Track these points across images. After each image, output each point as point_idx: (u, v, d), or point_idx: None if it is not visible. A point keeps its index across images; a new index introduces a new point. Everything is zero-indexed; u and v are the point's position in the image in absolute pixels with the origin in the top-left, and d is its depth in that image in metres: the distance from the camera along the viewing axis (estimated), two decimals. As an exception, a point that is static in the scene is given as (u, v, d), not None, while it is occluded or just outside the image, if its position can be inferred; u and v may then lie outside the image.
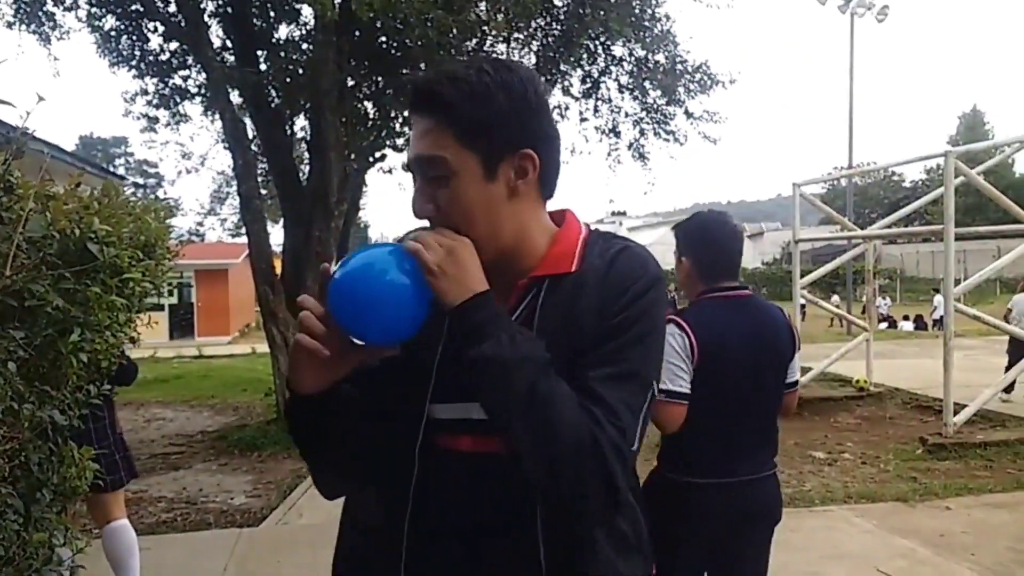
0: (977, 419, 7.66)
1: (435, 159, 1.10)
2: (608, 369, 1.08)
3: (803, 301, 11.08)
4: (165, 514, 5.81)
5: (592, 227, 1.26)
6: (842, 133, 27.27)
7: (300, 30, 9.63)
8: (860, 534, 4.90)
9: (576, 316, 1.11)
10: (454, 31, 7.80)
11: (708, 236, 2.33)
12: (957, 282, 8.11)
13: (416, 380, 1.17)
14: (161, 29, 9.04)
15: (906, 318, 21.93)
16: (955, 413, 7.30)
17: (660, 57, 10.15)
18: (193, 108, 13.86)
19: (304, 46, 9.59)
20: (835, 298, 18.72)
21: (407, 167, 1.20)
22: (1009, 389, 8.80)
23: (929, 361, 10.48)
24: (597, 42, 9.82)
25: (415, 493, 1.15)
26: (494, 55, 9.69)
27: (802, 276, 10.28)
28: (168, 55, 9.49)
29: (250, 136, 9.70)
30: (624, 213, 57.64)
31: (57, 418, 2.31)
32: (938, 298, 20.62)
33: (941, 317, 14.17)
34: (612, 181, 17.55)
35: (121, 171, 41.79)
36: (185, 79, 9.90)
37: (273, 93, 9.55)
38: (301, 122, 10.92)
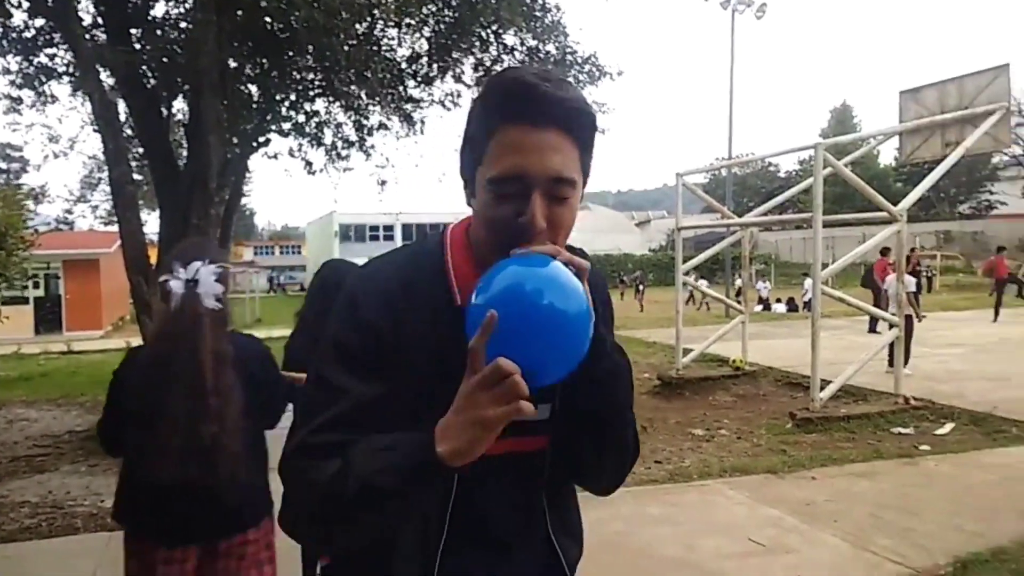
0: (842, 394, 8.21)
1: (572, 181, 1.09)
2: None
3: (691, 287, 11.51)
4: (28, 520, 5.44)
5: None
6: (723, 125, 28.39)
7: (178, 8, 9.16)
8: (734, 506, 5.17)
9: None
10: (342, 14, 7.60)
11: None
12: (825, 266, 8.64)
13: (441, 381, 1.06)
14: (25, 4, 8.38)
15: (779, 300, 23.17)
16: (821, 389, 7.80)
17: (551, 47, 10.25)
18: (61, 88, 12.97)
19: (182, 25, 9.12)
20: (703, 282, 19.58)
21: (512, 180, 1.05)
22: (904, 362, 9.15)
23: (800, 341, 11.12)
24: (489, 30, 9.81)
25: (454, 506, 1.16)
26: (384, 40, 9.55)
27: (685, 262, 10.70)
28: (33, 32, 8.82)
29: (123, 118, 9.16)
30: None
31: None
32: (808, 281, 21.87)
33: (811, 299, 15.09)
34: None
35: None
36: (52, 57, 9.23)
37: (148, 73, 9.04)
38: (179, 104, 10.40)
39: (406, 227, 49.55)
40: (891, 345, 8.72)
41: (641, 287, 27.63)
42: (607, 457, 1.23)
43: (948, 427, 7.26)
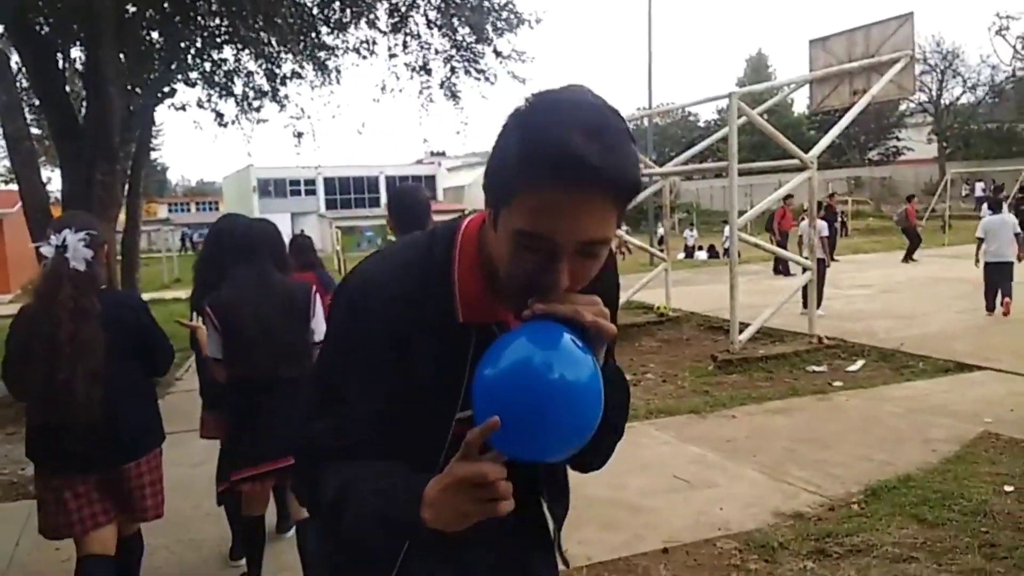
0: (760, 336, 8.52)
1: (605, 241, 1.02)
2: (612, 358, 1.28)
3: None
4: (-59, 493, 5.20)
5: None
6: (643, 74, 28.48)
7: (70, -52, 8.53)
8: (659, 445, 5.34)
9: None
10: (247, -45, 7.24)
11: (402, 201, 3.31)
12: (742, 213, 8.86)
13: (443, 396, 1.13)
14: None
15: (700, 248, 23.76)
16: (740, 332, 8.08)
17: (468, -7, 10.04)
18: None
19: (75, -34, 8.53)
20: (625, 230, 19.94)
21: (542, 240, 0.98)
22: (817, 304, 9.57)
23: (720, 286, 11.43)
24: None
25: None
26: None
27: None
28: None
29: (15, 68, 8.56)
30: (443, 153, 57.16)
31: None
32: (728, 228, 22.46)
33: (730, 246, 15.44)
34: (426, 121, 17.28)
35: None
36: (-67, 4, 8.50)
37: (41, 21, 8.44)
38: (76, 53, 9.77)
39: (328, 181, 48.29)
40: (804, 288, 9.06)
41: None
42: (599, 452, 1.24)
43: (859, 364, 7.63)
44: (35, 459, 2.84)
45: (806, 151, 8.55)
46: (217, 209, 67.76)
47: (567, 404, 0.96)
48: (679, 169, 12.41)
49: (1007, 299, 9.46)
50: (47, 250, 2.70)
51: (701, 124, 54.35)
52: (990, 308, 9.65)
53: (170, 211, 63.95)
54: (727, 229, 22.68)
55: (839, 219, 20.42)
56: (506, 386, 0.96)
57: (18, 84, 8.49)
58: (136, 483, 2.87)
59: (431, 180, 51.56)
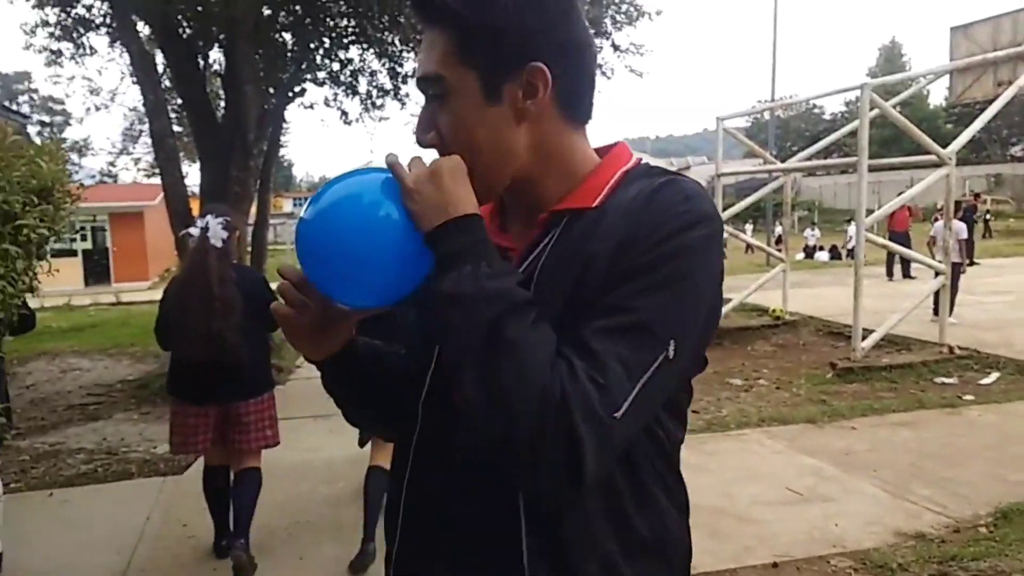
0: (884, 343, 8.08)
1: (431, 78, 0.95)
2: (610, 320, 0.85)
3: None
4: (85, 465, 5.67)
5: (649, 163, 1.03)
6: (766, 66, 27.52)
7: (211, -44, 9.09)
8: (771, 455, 5.17)
9: (587, 259, 0.89)
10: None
11: None
12: (870, 212, 8.42)
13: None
14: (60, -44, 8.41)
15: (821, 248, 22.74)
16: (863, 338, 7.69)
17: (589, -12, 9.99)
18: (99, 40, 13.04)
19: (216, -27, 9.08)
20: (749, 228, 19.28)
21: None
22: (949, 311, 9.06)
23: (842, 289, 10.94)
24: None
25: (415, 451, 1.03)
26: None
27: (725, 209, 10.51)
28: (70, -16, 8.85)
29: (160, 70, 9.20)
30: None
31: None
32: (852, 228, 21.38)
33: (855, 246, 14.69)
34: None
35: (25, 109, 39.19)
36: (89, 8, 9.26)
37: (184, 23, 9.04)
38: (215, 55, 10.41)
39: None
40: (936, 293, 8.52)
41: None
42: (476, 426, 0.87)
43: (993, 376, 7.12)
44: (173, 391, 3.65)
45: (942, 146, 8.03)
46: (338, 202, 70.35)
47: (351, 236, 0.91)
48: (802, 165, 11.92)
49: None
50: (194, 231, 3.53)
51: (827, 117, 51.99)
52: None
53: (295, 205, 67.11)
54: (851, 229, 21.62)
55: (982, 219, 18.98)
56: (312, 220, 0.95)
57: (162, 84, 9.11)
58: (248, 418, 3.62)
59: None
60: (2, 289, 2.18)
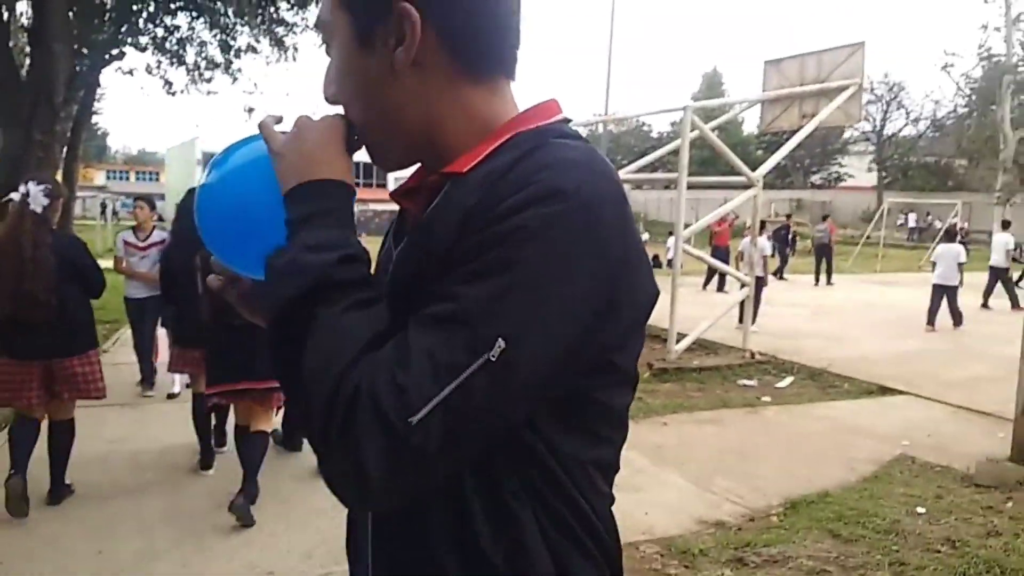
0: (695, 347, 8.68)
1: (320, 23, 0.89)
2: (430, 308, 0.74)
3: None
4: None
5: (567, 123, 0.91)
6: (601, 81, 28.71)
7: None
8: (591, 449, 5.39)
9: (439, 229, 0.79)
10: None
11: None
12: (688, 226, 9.02)
13: None
14: None
15: (645, 257, 24.11)
16: (678, 342, 8.22)
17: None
18: None
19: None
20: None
21: None
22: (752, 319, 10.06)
23: (662, 296, 11.60)
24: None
25: None
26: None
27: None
28: None
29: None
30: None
31: None
32: (672, 239, 22.80)
33: (673, 256, 15.60)
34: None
35: None
36: None
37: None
38: (22, 7, 9.38)
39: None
40: (742, 303, 9.28)
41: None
42: (288, 392, 0.80)
43: (787, 380, 7.85)
44: (2, 348, 3.87)
45: (754, 170, 8.76)
46: (157, 179, 65.74)
47: (217, 196, 0.93)
48: (631, 177, 12.55)
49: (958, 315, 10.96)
50: (16, 196, 3.80)
51: (654, 135, 55.09)
52: (931, 323, 11.02)
53: (108, 178, 61.81)
54: (671, 240, 23.09)
55: (791, 236, 20.71)
56: (207, 186, 0.95)
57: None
58: (71, 372, 3.93)
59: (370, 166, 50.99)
60: None
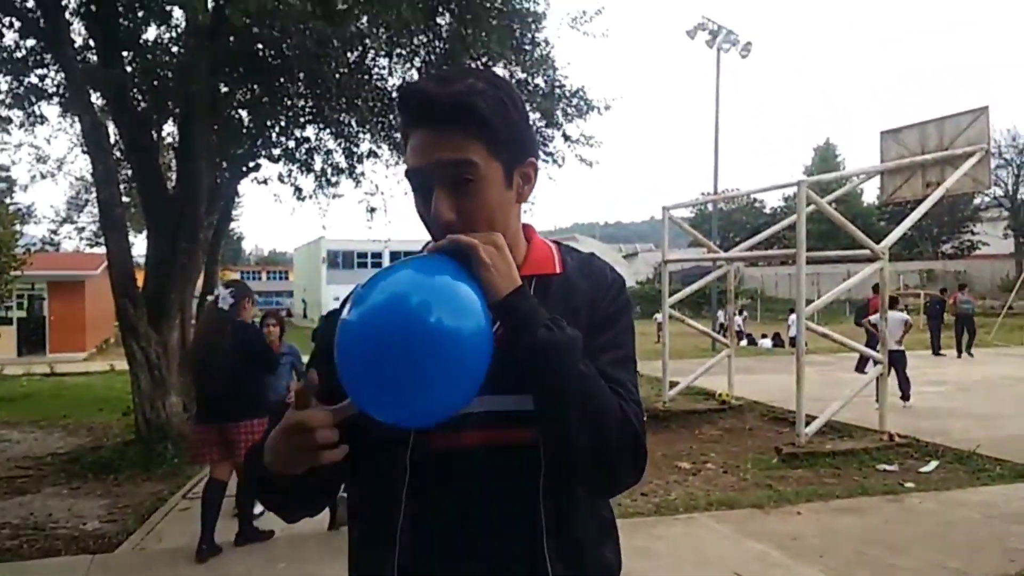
0: (827, 430, 8.23)
1: (465, 163, 1.12)
2: (612, 354, 1.18)
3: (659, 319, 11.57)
4: (9, 541, 5.35)
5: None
6: (709, 160, 28.73)
7: (170, 32, 9.21)
8: (719, 539, 5.14)
9: (574, 309, 1.18)
10: (334, 42, 7.68)
11: None
12: (810, 302, 8.71)
13: None
14: (17, 25, 8.40)
15: (764, 336, 23.25)
16: (807, 424, 7.82)
17: (540, 80, 10.37)
18: (50, 109, 12.95)
19: (174, 48, 9.17)
20: (723, 316, 19.65)
21: (412, 175, 1.16)
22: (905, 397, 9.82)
23: (785, 376, 11.15)
24: (479, 63, 9.94)
25: (407, 500, 1.13)
26: (375, 69, 9.65)
27: (671, 295, 10.76)
28: (24, 52, 8.82)
29: (112, 140, 9.16)
30: (505, 232, 58.03)
31: None
32: (793, 317, 21.97)
33: (796, 335, 15.03)
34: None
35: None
36: (42, 78, 9.22)
37: (139, 96, 9.07)
38: (169, 127, 10.41)
39: (394, 254, 49.34)
40: (877, 380, 8.76)
41: (628, 319, 27.63)
42: (570, 442, 1.06)
43: (932, 465, 7.28)
44: (194, 415, 5.30)
45: (876, 242, 8.41)
46: (286, 278, 69.83)
47: (423, 350, 0.86)
48: (744, 255, 12.34)
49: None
50: (210, 298, 5.40)
51: (767, 211, 54.06)
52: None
53: (242, 278, 66.19)
54: (791, 317, 22.24)
55: (943, 310, 19.33)
56: (357, 327, 0.88)
57: (113, 154, 9.03)
58: (238, 437, 4.82)
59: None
60: None
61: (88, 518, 5.92)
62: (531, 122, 1.26)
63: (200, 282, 10.07)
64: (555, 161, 11.21)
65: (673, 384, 10.25)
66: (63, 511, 6.09)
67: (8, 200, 31.68)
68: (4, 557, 4.99)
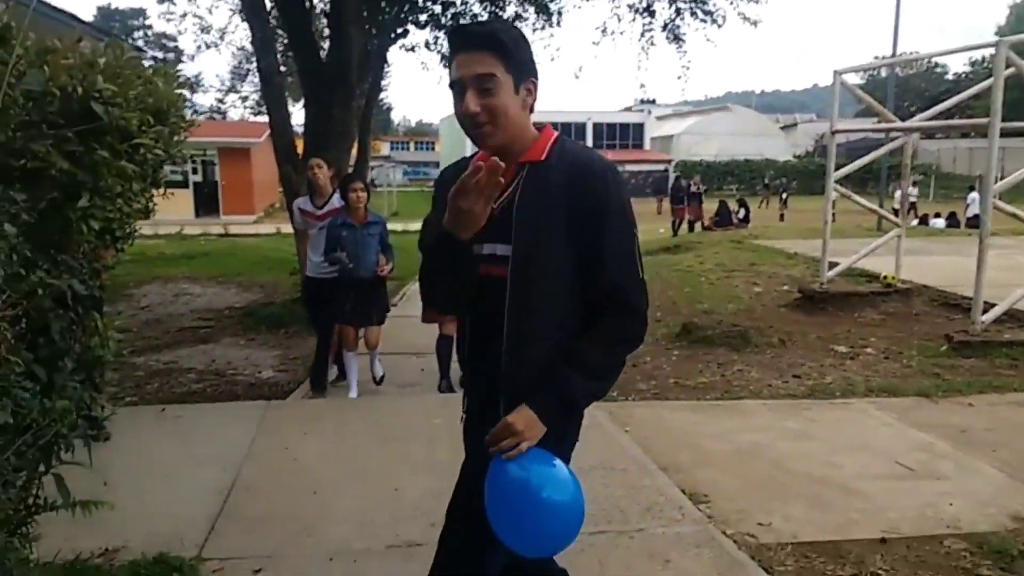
0: (1005, 318, 7.53)
1: (489, 76, 1.67)
2: (609, 248, 1.74)
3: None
4: (195, 384, 5.96)
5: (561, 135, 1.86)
6: (884, 21, 25.80)
7: None
8: (880, 427, 4.90)
9: (550, 194, 1.73)
10: None
11: None
12: (997, 179, 7.79)
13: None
14: None
15: (938, 215, 21.42)
16: (984, 311, 7.18)
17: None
18: (209, -23, 13.30)
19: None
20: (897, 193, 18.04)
21: (454, 85, 1.70)
22: None
23: (959, 259, 10.27)
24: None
25: (468, 311, 1.87)
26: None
27: (838, 169, 9.94)
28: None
29: (268, 7, 9.32)
30: (653, 102, 55.64)
31: (76, 287, 2.27)
32: (972, 195, 20.01)
33: (975, 215, 13.72)
34: (644, 65, 16.71)
35: (140, 44, 40.81)
36: (200, -53, 9.43)
37: (292, -37, 9.09)
38: (321, -5, 10.47)
39: (536, 126, 48.49)
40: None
41: (784, 195, 26.32)
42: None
43: None
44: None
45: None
46: (433, 149, 71.13)
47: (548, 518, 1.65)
48: (928, 124, 11.13)
49: None
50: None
51: (949, 77, 48.59)
52: None
53: (391, 149, 68.03)
54: (971, 195, 20.27)
55: None
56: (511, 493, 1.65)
57: (270, 22, 9.20)
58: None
59: (639, 128, 50.51)
60: (119, 208, 2.19)
61: (263, 367, 6.47)
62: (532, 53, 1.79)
63: (354, 152, 10.35)
64: (714, 20, 10.42)
65: (832, 265, 9.66)
66: (240, 360, 6.68)
67: (175, 71, 33.62)
68: (191, 398, 5.58)
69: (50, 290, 1.88)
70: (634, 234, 1.78)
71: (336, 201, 5.61)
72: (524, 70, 1.71)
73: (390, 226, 5.77)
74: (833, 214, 21.22)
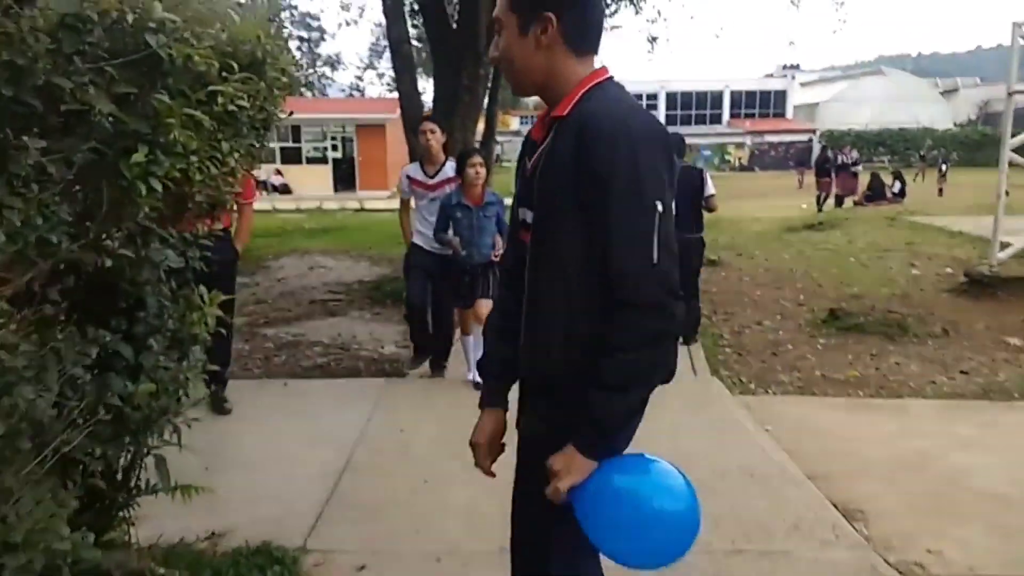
0: None
1: (496, 20, 1.59)
2: (617, 227, 1.46)
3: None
4: (320, 358, 5.98)
5: (611, 81, 1.60)
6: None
7: None
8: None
9: (561, 152, 1.52)
10: None
11: None
12: None
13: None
14: None
15: None
16: None
17: None
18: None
19: None
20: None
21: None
22: None
23: None
24: None
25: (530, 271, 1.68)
26: None
27: (1014, 136, 8.77)
28: None
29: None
30: (797, 67, 52.33)
31: (171, 259, 2.12)
32: None
33: None
34: (793, 21, 15.61)
35: (286, 24, 42.52)
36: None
37: (421, -73, 8.93)
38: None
39: (670, 95, 46.98)
40: None
41: (944, 167, 24.10)
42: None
43: None
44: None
45: None
46: (565, 121, 70.37)
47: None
48: None
49: None
50: None
51: None
52: None
53: (521, 123, 67.92)
54: None
55: None
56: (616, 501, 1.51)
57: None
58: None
59: (781, 95, 47.81)
60: (201, 168, 1.89)
61: (386, 342, 6.43)
62: None
63: (481, 125, 10.15)
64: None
65: (1004, 246, 8.58)
66: (365, 334, 6.67)
67: (318, 49, 34.75)
68: (315, 373, 5.58)
69: (99, 260, 1.67)
70: (650, 210, 1.43)
71: (449, 170, 5.15)
72: (532, 5, 1.52)
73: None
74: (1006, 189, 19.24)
